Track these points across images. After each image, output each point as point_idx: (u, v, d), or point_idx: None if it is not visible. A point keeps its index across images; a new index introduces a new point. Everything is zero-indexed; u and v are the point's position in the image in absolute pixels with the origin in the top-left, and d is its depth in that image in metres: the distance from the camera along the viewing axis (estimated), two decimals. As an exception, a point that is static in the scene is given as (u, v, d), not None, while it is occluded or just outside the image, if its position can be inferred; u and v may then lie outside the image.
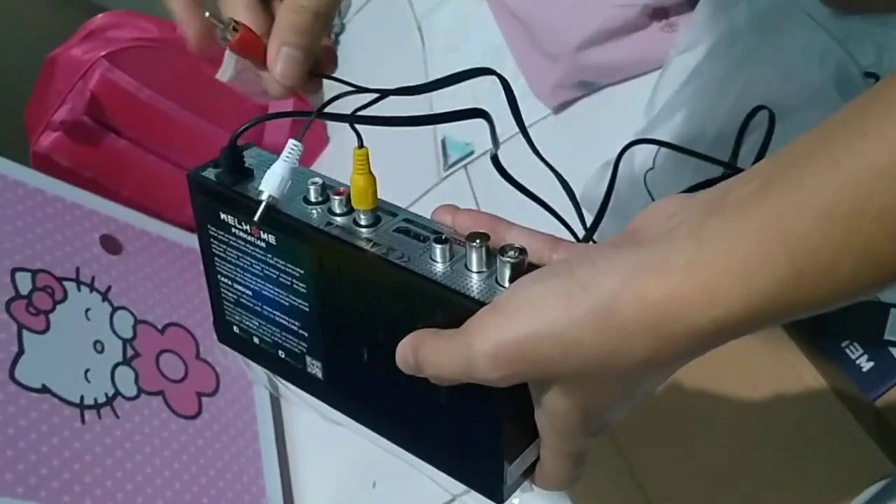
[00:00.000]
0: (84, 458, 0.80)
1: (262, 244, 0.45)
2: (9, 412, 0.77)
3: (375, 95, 0.43)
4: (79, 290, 0.90)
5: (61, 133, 1.05)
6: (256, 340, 0.50)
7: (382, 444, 0.45)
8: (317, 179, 0.43)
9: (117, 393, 0.86)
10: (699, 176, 0.68)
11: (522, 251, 0.37)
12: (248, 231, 0.45)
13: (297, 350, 0.47)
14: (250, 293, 0.48)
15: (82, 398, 0.83)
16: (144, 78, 1.07)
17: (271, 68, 0.41)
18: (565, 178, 0.45)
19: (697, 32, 0.80)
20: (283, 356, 0.49)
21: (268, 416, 0.98)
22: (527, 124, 0.43)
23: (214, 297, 0.51)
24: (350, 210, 0.42)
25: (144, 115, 1.07)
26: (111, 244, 0.96)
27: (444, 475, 0.43)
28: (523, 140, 0.44)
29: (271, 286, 0.46)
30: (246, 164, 0.46)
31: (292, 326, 0.47)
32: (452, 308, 0.37)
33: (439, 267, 0.39)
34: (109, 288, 0.92)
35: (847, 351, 0.59)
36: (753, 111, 0.70)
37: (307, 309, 0.45)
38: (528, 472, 0.42)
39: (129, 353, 0.90)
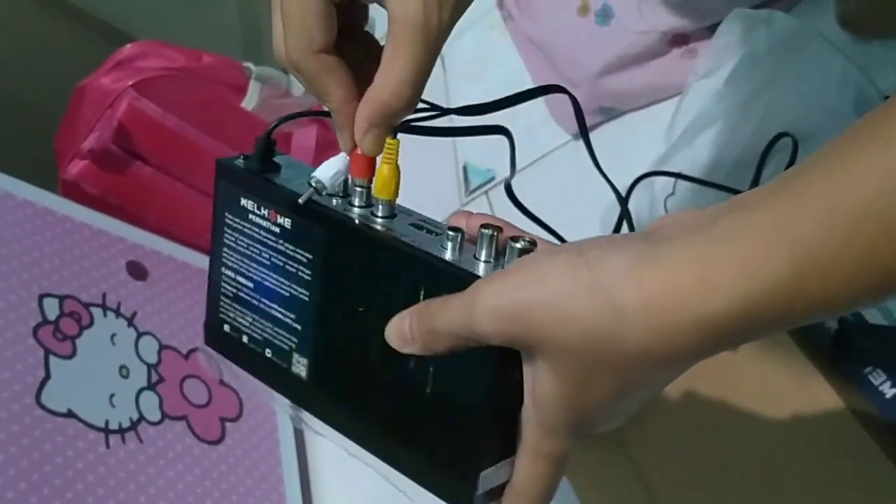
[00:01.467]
0: (108, 482, 0.81)
1: (277, 229, 0.46)
2: (34, 436, 0.78)
3: (427, 110, 0.44)
4: (105, 315, 0.91)
5: (89, 161, 1.06)
6: (245, 339, 0.51)
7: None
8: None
9: (142, 418, 0.87)
10: (720, 201, 0.68)
11: (533, 242, 0.38)
12: (265, 216, 0.47)
13: (285, 346, 0.48)
14: (251, 285, 0.49)
15: (107, 423, 0.84)
16: (171, 106, 1.08)
17: (358, 142, 0.41)
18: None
19: (717, 58, 0.80)
20: (269, 355, 0.50)
21: (290, 443, 0.98)
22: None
23: (212, 293, 0.52)
24: (369, 204, 0.44)
25: (170, 143, 1.08)
26: (137, 270, 0.97)
27: None
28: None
29: (275, 275, 0.47)
30: (275, 160, 0.48)
31: (287, 319, 0.48)
32: (457, 286, 0.37)
33: (448, 254, 0.40)
34: (135, 313, 0.93)
35: (870, 377, 0.58)
36: (775, 138, 0.70)
37: (306, 298, 0.46)
38: (497, 494, 0.41)
39: (154, 378, 0.91)
